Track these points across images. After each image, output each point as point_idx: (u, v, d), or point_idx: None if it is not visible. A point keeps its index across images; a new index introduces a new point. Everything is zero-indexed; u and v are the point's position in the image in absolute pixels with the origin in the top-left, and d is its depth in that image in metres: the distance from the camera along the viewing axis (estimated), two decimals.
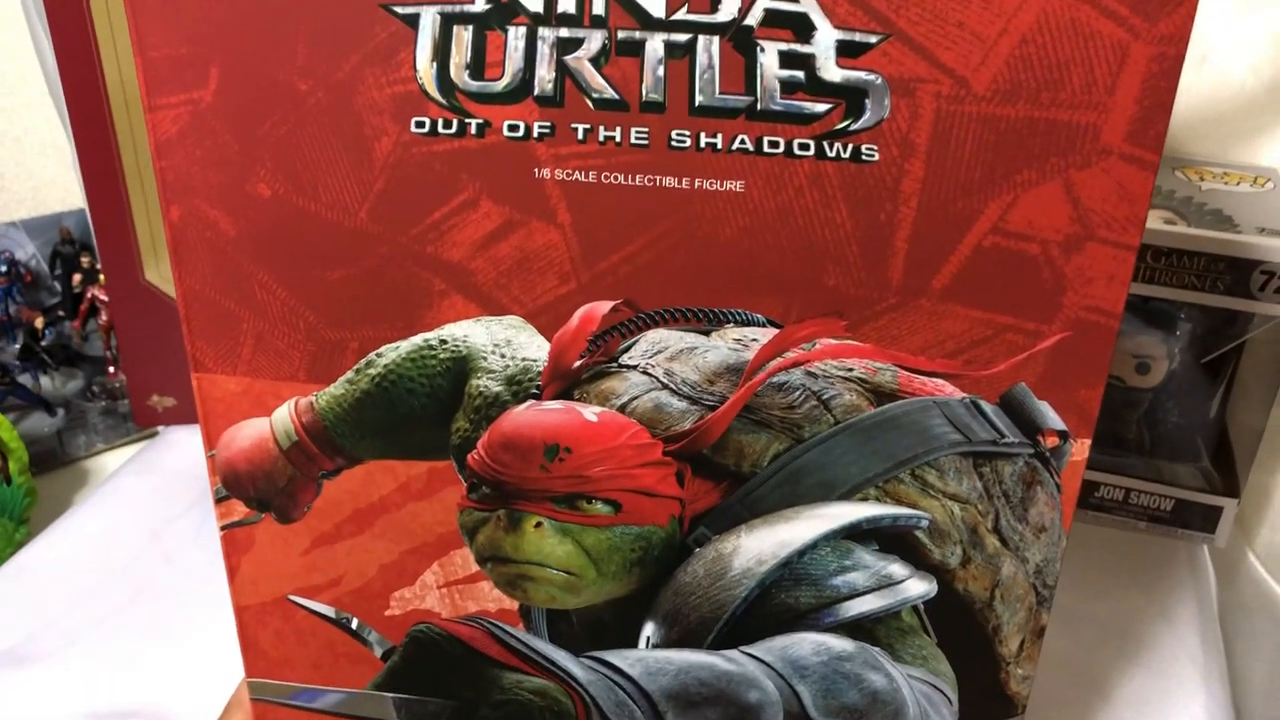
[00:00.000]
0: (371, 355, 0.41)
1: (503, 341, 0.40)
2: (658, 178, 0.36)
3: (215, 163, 0.38)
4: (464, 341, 0.40)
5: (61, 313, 0.95)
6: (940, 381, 0.39)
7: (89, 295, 0.92)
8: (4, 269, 0.93)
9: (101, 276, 0.91)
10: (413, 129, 0.37)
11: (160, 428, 0.85)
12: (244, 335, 0.41)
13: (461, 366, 0.41)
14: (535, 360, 0.40)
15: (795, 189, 0.36)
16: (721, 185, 0.36)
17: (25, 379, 0.91)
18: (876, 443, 0.39)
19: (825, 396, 0.39)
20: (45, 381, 0.94)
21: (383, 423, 0.42)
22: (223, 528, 0.44)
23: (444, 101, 0.36)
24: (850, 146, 0.35)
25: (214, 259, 0.39)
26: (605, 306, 0.39)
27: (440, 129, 0.36)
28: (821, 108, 0.35)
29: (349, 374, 0.41)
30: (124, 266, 0.76)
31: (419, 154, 0.37)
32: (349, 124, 0.37)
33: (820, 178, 0.36)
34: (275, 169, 0.38)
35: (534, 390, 0.40)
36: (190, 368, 0.41)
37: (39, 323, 0.91)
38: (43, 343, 0.93)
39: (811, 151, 0.35)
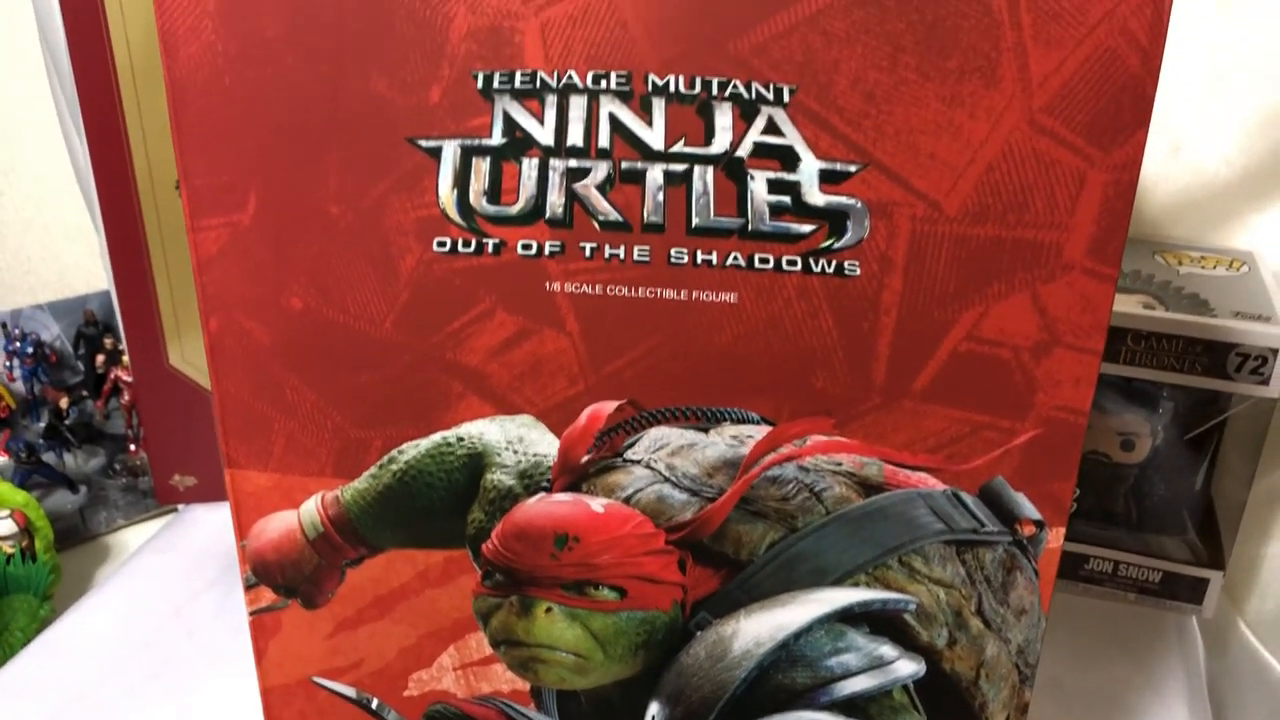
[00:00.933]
0: (394, 452, 0.43)
1: (516, 439, 0.42)
2: (658, 290, 0.39)
3: (252, 278, 0.41)
4: (480, 439, 0.42)
5: (84, 392, 0.98)
6: (923, 474, 0.41)
7: (112, 376, 0.95)
8: (30, 350, 0.95)
9: (124, 358, 0.93)
10: (435, 248, 0.39)
11: (180, 505, 0.87)
12: (275, 435, 0.43)
13: (477, 462, 0.42)
14: (546, 456, 0.42)
15: (784, 300, 0.39)
16: (717, 297, 0.39)
17: (50, 457, 0.93)
18: (865, 532, 0.41)
19: (817, 489, 0.41)
20: (68, 459, 0.96)
21: (403, 514, 0.44)
22: (252, 613, 0.46)
23: (464, 224, 0.39)
24: (834, 263, 0.38)
25: (249, 365, 0.42)
26: (611, 406, 0.41)
27: (460, 248, 0.39)
28: (807, 228, 0.38)
29: (373, 469, 0.43)
30: (149, 350, 0.78)
31: (441, 270, 0.40)
32: (377, 244, 0.40)
33: (807, 290, 0.39)
34: (308, 284, 0.41)
35: (545, 484, 0.42)
36: (224, 464, 0.44)
37: (64, 402, 0.94)
38: (66, 421, 0.95)
39: (799, 267, 0.38)
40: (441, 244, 0.39)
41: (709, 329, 0.39)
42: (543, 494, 0.42)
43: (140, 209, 0.75)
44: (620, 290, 0.39)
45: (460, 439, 0.43)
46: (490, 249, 0.39)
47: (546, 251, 0.39)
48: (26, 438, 0.95)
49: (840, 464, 0.41)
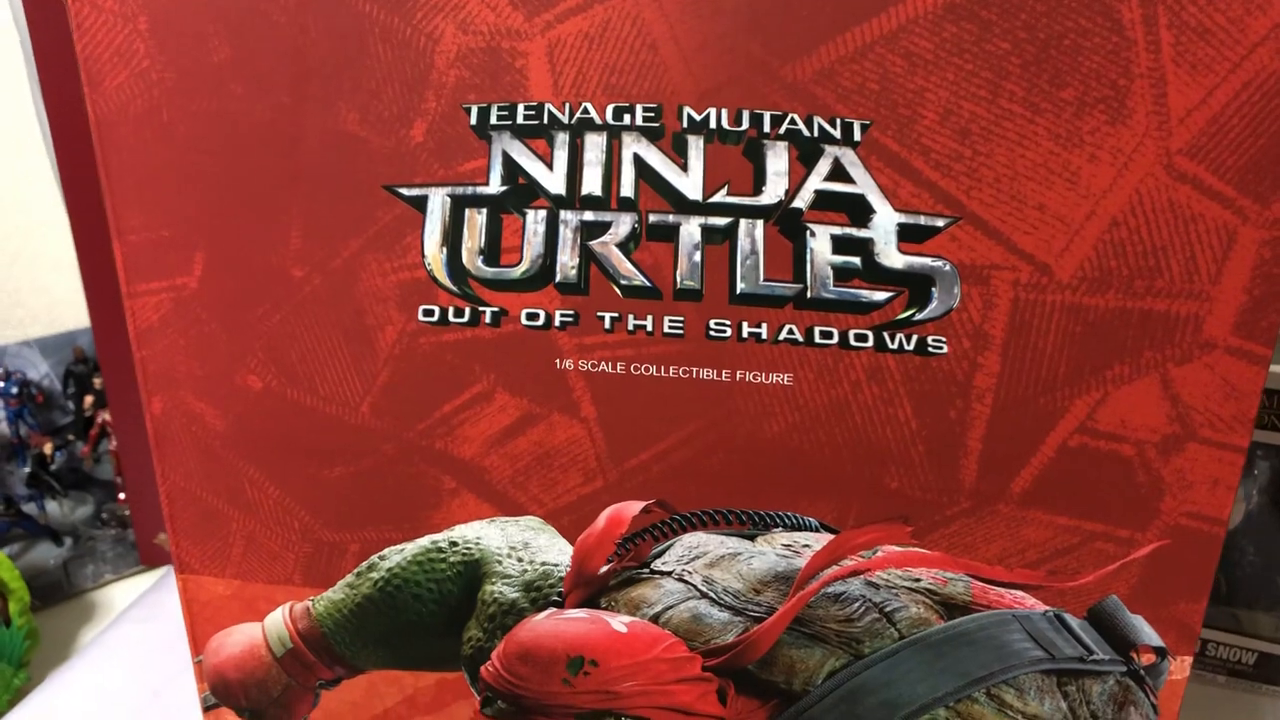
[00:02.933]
0: (374, 558, 0.37)
1: (520, 544, 0.37)
2: (694, 369, 0.33)
3: (201, 353, 0.34)
4: (476, 544, 0.37)
5: (71, 435, 0.92)
6: (1019, 593, 0.35)
7: (100, 420, 0.89)
8: (15, 390, 0.90)
9: None
10: (420, 318, 0.33)
11: (169, 565, 0.81)
12: (233, 535, 0.37)
13: (474, 571, 0.37)
14: (556, 565, 0.37)
15: (852, 383, 0.32)
16: (767, 378, 0.33)
17: (31, 508, 0.87)
18: (947, 659, 0.35)
19: (888, 609, 0.35)
20: (53, 507, 0.90)
21: (386, 630, 0.38)
22: None
23: (455, 289, 0.33)
24: (915, 338, 0.31)
25: (200, 454, 0.36)
26: (635, 507, 0.35)
27: (451, 318, 0.33)
28: (881, 296, 0.31)
29: (349, 578, 0.38)
30: (130, 396, 0.73)
31: (427, 344, 0.34)
32: (349, 313, 0.33)
33: (880, 371, 0.32)
34: (267, 360, 0.34)
35: (555, 597, 0.37)
36: (175, 568, 0.37)
37: (48, 449, 0.88)
38: (52, 467, 0.89)
39: (870, 343, 0.32)
40: (428, 313, 0.33)
41: (757, 416, 0.33)
42: (553, 610, 0.36)
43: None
44: (647, 369, 0.33)
45: (453, 543, 0.37)
46: (488, 319, 0.33)
47: (557, 322, 0.32)
48: (8, 486, 0.89)
49: (918, 580, 0.35)
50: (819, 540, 0.35)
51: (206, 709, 0.40)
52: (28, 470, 0.90)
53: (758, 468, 0.34)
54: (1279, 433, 0.59)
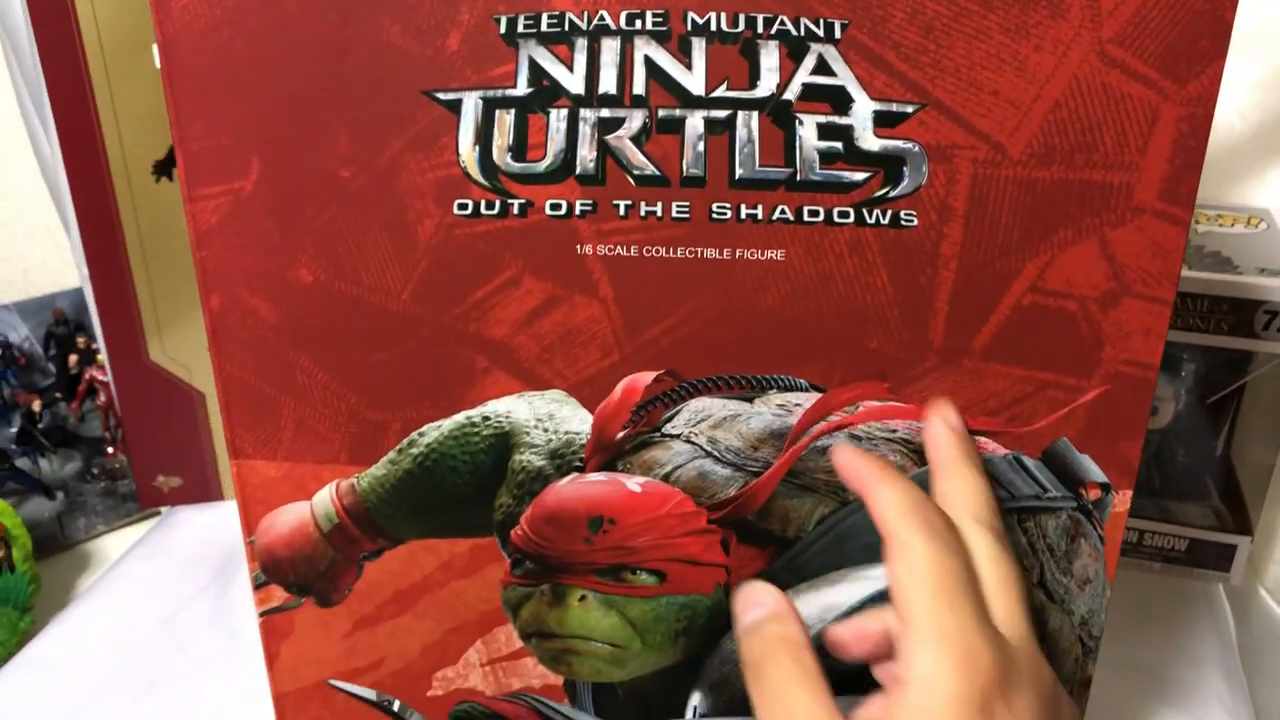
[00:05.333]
0: (414, 435, 0.40)
1: (545, 416, 0.40)
2: (699, 249, 0.37)
3: (256, 251, 0.38)
4: (506, 418, 0.40)
5: (58, 394, 0.94)
6: (983, 439, 0.39)
7: (87, 376, 0.91)
8: None
9: (99, 357, 0.90)
10: (455, 211, 0.37)
11: (163, 508, 0.84)
12: (284, 420, 0.40)
13: (504, 442, 0.40)
14: (578, 433, 0.40)
15: (836, 256, 0.36)
16: (762, 254, 0.37)
17: (24, 463, 0.89)
18: None
19: None
20: (43, 464, 0.92)
21: (425, 502, 0.41)
22: (261, 614, 0.44)
23: (486, 184, 0.36)
24: (889, 213, 0.36)
25: (254, 346, 0.39)
26: (648, 378, 0.39)
27: (483, 210, 0.37)
28: (860, 176, 0.36)
29: (391, 454, 0.41)
30: (128, 346, 0.75)
31: (462, 235, 0.37)
32: (392, 209, 0.37)
33: (860, 244, 0.36)
34: (317, 255, 0.38)
35: (577, 463, 0.40)
36: (229, 454, 0.41)
37: (36, 406, 0.90)
38: (39, 425, 0.91)
39: (851, 219, 0.36)
40: (463, 206, 0.36)
41: (754, 290, 0.37)
42: (575, 474, 0.40)
43: (115, 197, 0.72)
44: (657, 251, 0.37)
45: (485, 418, 0.40)
46: (516, 210, 0.36)
47: (577, 211, 0.36)
48: (2, 443, 0.91)
49: (895, 431, 0.39)
50: (809, 399, 0.39)
51: (257, 587, 0.43)
52: (15, 429, 0.92)
53: (755, 336, 0.38)
54: (1205, 333, 0.64)
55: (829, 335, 0.37)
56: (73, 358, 0.94)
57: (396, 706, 0.44)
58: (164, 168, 0.71)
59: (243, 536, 0.42)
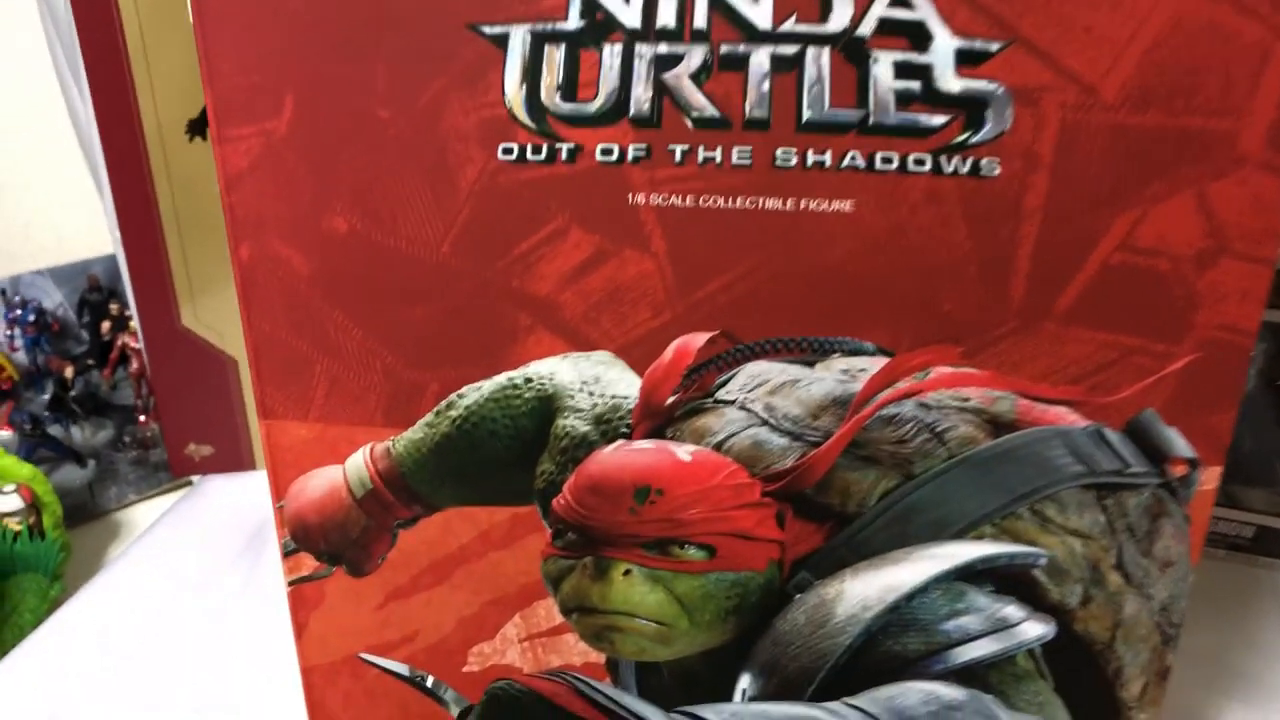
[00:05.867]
0: (452, 396, 0.39)
1: (591, 379, 0.38)
2: (760, 199, 0.34)
3: (288, 197, 0.36)
4: (550, 380, 0.38)
5: (90, 361, 0.93)
6: (1062, 409, 0.36)
7: (119, 343, 0.90)
8: (32, 318, 0.91)
9: (132, 323, 0.89)
10: (500, 156, 0.35)
11: (194, 477, 0.82)
12: (317, 379, 0.38)
13: (547, 406, 0.38)
14: (625, 398, 0.38)
15: (910, 207, 0.34)
16: (829, 205, 0.34)
17: (56, 430, 0.89)
18: (993, 476, 0.37)
19: (939, 429, 0.37)
20: (75, 432, 0.91)
21: (463, 467, 0.39)
22: (290, 583, 0.42)
23: (534, 126, 0.34)
24: (970, 161, 0.33)
25: (286, 299, 0.37)
26: (701, 339, 0.37)
27: (529, 155, 0.34)
28: (939, 120, 0.33)
29: (428, 417, 0.39)
30: (159, 311, 0.73)
31: (506, 182, 0.35)
32: (432, 152, 0.35)
33: (937, 195, 0.34)
34: (352, 202, 0.36)
35: (624, 429, 0.38)
36: (259, 414, 0.39)
37: (69, 372, 0.89)
38: (72, 393, 0.90)
39: (928, 167, 0.33)
40: (508, 151, 0.34)
41: (819, 244, 0.34)
42: (622, 441, 0.38)
43: (149, 160, 0.70)
44: (715, 201, 0.34)
45: (528, 380, 0.38)
46: (564, 155, 0.34)
47: (630, 156, 0.34)
48: (31, 410, 0.90)
49: (967, 400, 0.36)
50: (875, 364, 0.36)
51: (286, 554, 0.42)
52: (48, 396, 0.91)
53: (818, 295, 0.35)
54: (1274, 310, 0.61)
55: (899, 294, 0.35)
56: (105, 324, 0.93)
57: (430, 682, 0.43)
58: (198, 127, 0.70)
59: (272, 501, 0.40)
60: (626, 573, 0.37)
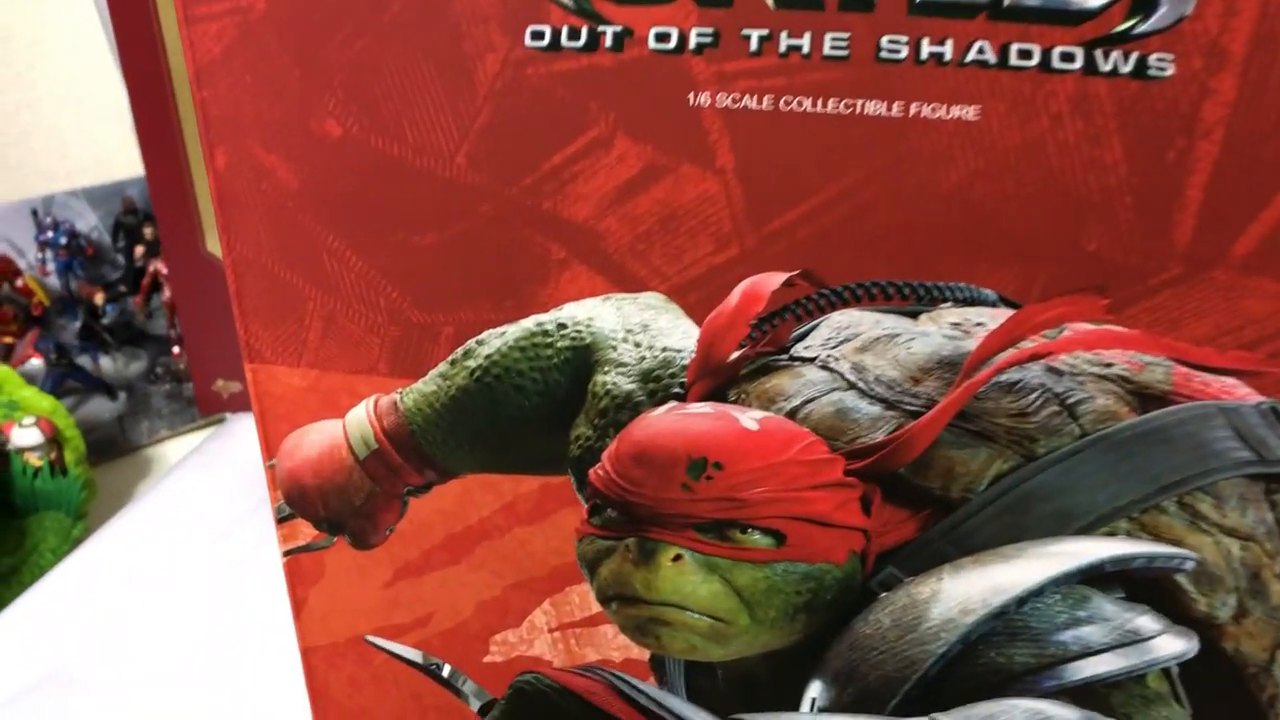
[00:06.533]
0: (470, 343, 0.34)
1: (637, 326, 0.33)
2: (858, 103, 0.28)
3: (270, 92, 0.31)
4: (588, 326, 0.33)
5: (123, 288, 0.90)
6: (1230, 381, 0.31)
7: (151, 269, 0.86)
8: (64, 241, 0.87)
9: None
10: (528, 42, 0.29)
11: (227, 414, 0.79)
12: (310, 317, 0.34)
13: (584, 358, 0.34)
14: (679, 351, 0.33)
15: (1052, 117, 0.27)
16: (948, 112, 0.28)
17: (85, 360, 0.85)
18: (1135, 461, 0.31)
19: (1071, 400, 0.31)
20: (106, 363, 0.88)
21: (483, 428, 0.35)
22: (286, 553, 0.38)
23: (570, 3, 0.29)
24: (1134, 56, 0.27)
25: (270, 219, 0.33)
26: (776, 280, 0.31)
27: (565, 41, 0.29)
28: (1096, 3, 0.26)
29: (442, 366, 0.34)
30: (184, 236, 0.70)
31: (535, 76, 0.29)
32: (443, 39, 0.29)
33: (1087, 101, 0.27)
34: (346, 99, 0.31)
35: (676, 389, 0.34)
36: (244, 357, 0.34)
37: (99, 298, 0.85)
38: (104, 320, 0.87)
39: (1078, 64, 0.27)
40: (537, 36, 0.29)
41: (932, 162, 0.29)
42: (674, 403, 0.33)
43: (171, 79, 0.68)
44: (800, 104, 0.28)
45: (561, 325, 0.34)
46: (609, 41, 0.29)
47: (692, 44, 0.29)
48: (60, 339, 0.87)
49: (1110, 365, 0.31)
50: (996, 317, 0.31)
51: (280, 520, 0.37)
52: (79, 323, 0.88)
53: (928, 227, 0.29)
54: None
55: (1032, 229, 0.29)
56: (139, 249, 0.89)
57: (446, 672, 0.39)
58: None
59: (262, 458, 0.35)
60: (676, 558, 0.32)
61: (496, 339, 0.33)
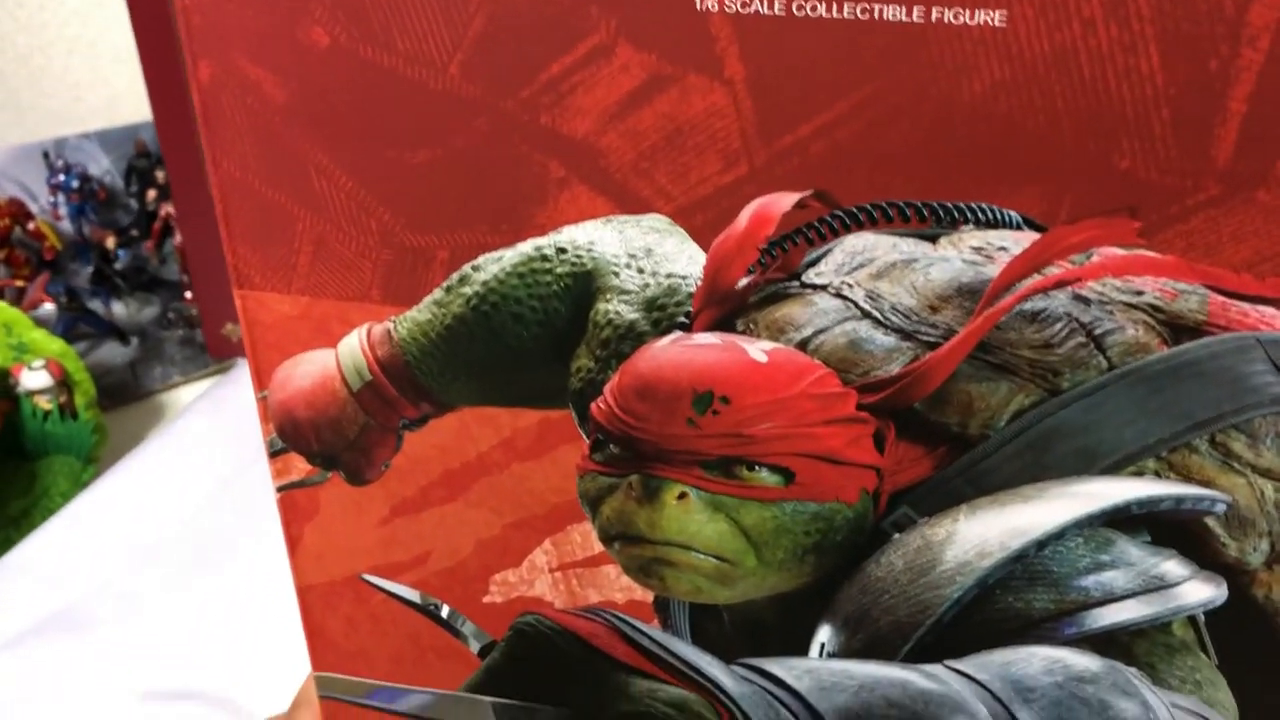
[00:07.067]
0: (466, 269, 0.33)
1: (641, 251, 0.32)
2: (876, 8, 0.27)
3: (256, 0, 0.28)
4: (589, 251, 0.32)
5: (135, 232, 0.89)
6: (1270, 311, 0.29)
7: (163, 213, 0.85)
8: (76, 184, 0.87)
9: None
10: None
11: (238, 359, 0.78)
12: (299, 240, 0.33)
13: (585, 285, 0.33)
14: (685, 277, 0.32)
15: (1084, 22, 0.26)
16: (972, 18, 0.26)
17: (97, 305, 0.85)
18: (1166, 396, 0.30)
19: (1098, 331, 0.30)
20: (118, 308, 0.88)
21: (481, 359, 0.34)
22: (279, 489, 0.37)
23: None
24: None
25: (257, 135, 0.31)
26: (787, 201, 0.30)
27: None
28: None
29: (437, 294, 0.33)
30: (191, 178, 0.69)
31: None
32: None
33: (1123, 5, 0.25)
34: (334, 6, 0.29)
35: (682, 318, 0.32)
36: (232, 283, 0.33)
37: (110, 243, 0.85)
38: (116, 265, 0.86)
39: None
40: None
41: (954, 72, 0.27)
42: (679, 333, 0.32)
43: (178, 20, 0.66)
44: (814, 9, 0.27)
45: (560, 250, 0.33)
46: None
47: None
48: (72, 283, 0.86)
49: (1141, 293, 0.30)
50: (1020, 241, 0.29)
51: (273, 454, 0.36)
52: (91, 269, 0.87)
53: (949, 143, 0.28)
54: None
55: (1060, 145, 0.27)
56: (151, 193, 0.88)
57: (445, 613, 0.38)
58: None
59: (254, 390, 0.34)
60: (681, 496, 0.31)
61: (493, 264, 0.32)
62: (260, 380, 0.35)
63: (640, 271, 0.32)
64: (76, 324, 0.84)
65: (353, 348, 0.34)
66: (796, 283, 0.32)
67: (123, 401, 0.85)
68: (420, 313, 0.33)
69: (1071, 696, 0.28)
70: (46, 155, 0.86)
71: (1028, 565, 0.30)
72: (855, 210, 0.30)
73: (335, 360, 0.34)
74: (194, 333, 0.88)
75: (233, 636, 0.53)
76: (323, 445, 0.36)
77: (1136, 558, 0.30)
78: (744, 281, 0.31)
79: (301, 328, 0.34)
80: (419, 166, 0.30)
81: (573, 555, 0.36)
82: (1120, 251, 0.29)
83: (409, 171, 0.31)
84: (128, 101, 0.96)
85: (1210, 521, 0.30)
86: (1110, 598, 0.30)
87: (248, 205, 0.32)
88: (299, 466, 0.36)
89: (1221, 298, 0.29)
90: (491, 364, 0.34)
